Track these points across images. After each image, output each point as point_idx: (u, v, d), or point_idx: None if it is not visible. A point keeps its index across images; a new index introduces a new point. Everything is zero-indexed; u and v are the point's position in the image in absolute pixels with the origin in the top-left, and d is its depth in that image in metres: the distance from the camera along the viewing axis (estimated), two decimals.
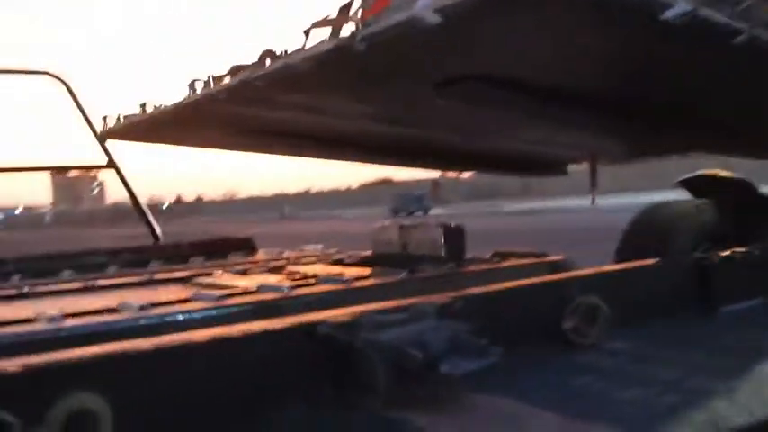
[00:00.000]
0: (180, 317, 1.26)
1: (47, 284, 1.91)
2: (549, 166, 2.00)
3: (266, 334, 0.74)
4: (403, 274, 1.62)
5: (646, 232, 2.14)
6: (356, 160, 2.01)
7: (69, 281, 1.95)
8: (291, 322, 0.76)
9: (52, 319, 1.23)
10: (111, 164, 3.14)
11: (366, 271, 1.76)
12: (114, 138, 1.62)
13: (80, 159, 3.17)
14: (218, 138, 1.59)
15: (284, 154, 1.91)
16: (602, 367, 0.84)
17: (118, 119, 1.58)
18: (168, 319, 1.25)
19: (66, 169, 3.25)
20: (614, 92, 1.36)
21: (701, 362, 0.92)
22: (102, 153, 3.10)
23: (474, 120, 1.43)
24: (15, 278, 2.22)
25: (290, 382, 0.73)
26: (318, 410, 0.71)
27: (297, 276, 1.79)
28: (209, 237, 3.00)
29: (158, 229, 3.20)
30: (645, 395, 0.76)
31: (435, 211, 39.91)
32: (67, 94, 2.92)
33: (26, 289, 1.79)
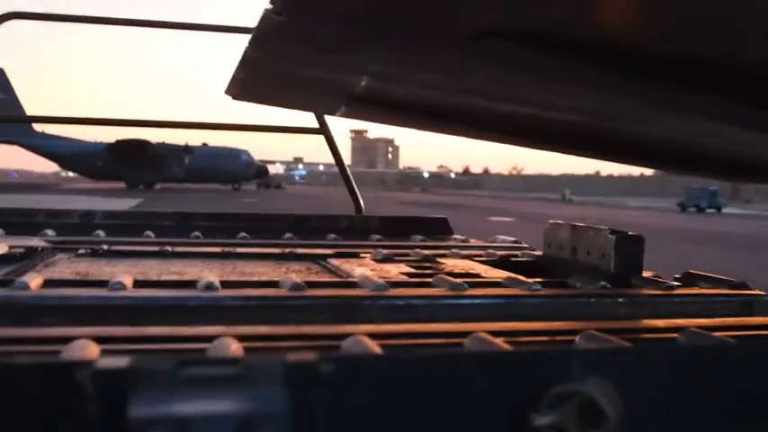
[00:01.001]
0: (229, 302, 1.13)
1: (191, 245, 1.90)
2: (754, 169, 1.56)
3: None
4: (531, 287, 1.35)
5: None
6: (472, 137, 1.73)
7: (211, 245, 1.92)
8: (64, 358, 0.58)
9: (116, 286, 1.17)
10: (323, 129, 3.14)
11: (504, 275, 1.51)
12: (235, 98, 1.52)
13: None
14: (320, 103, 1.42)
15: (391, 124, 1.69)
16: None
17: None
18: (220, 303, 1.13)
19: (279, 130, 3.31)
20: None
21: None
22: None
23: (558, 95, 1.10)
24: (195, 233, 2.27)
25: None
26: None
27: (427, 272, 1.59)
28: (407, 215, 2.88)
29: (362, 201, 3.15)
30: None
31: (729, 210, 36.56)
32: None
33: (169, 248, 1.78)
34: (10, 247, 1.70)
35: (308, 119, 3.15)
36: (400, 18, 0.79)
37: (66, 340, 0.78)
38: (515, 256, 1.97)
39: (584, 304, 1.28)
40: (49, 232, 2.12)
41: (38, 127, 46.02)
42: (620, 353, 0.60)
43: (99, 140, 51.13)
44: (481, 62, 0.89)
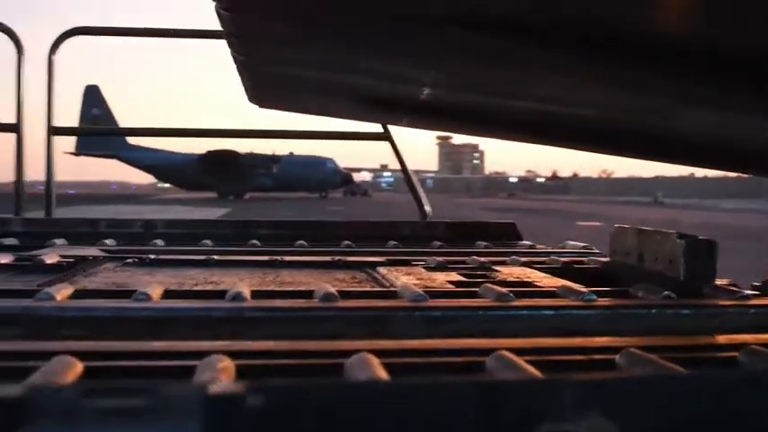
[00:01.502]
0: (252, 314, 1.07)
1: (240, 254, 1.86)
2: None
3: None
4: (585, 298, 1.24)
5: None
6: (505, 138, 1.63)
7: (260, 253, 1.88)
8: None
9: (140, 297, 1.13)
10: (386, 135, 3.08)
11: (560, 284, 1.40)
12: (262, 106, 1.48)
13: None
14: (332, 106, 1.36)
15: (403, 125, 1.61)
16: None
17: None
18: (243, 315, 1.07)
19: (344, 137, 3.26)
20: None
21: None
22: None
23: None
24: (253, 241, 2.24)
25: None
26: None
27: (477, 281, 1.49)
28: (473, 220, 2.79)
29: (428, 207, 3.07)
30: None
31: None
32: None
33: (215, 257, 1.75)
34: (61, 257, 1.70)
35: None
36: (355, 9, 0.72)
37: (53, 356, 0.73)
38: (580, 263, 1.85)
39: (640, 316, 1.16)
40: (108, 242, 2.13)
41: (133, 141, 47.91)
42: (625, 384, 0.50)
43: (191, 152, 52.63)
44: (469, 54, 0.81)
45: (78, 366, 0.70)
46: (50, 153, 3.03)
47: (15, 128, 3.01)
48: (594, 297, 1.25)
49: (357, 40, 0.86)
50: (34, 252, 1.79)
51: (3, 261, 1.60)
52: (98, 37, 3.38)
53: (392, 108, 1.33)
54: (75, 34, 3.00)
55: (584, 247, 2.24)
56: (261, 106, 1.47)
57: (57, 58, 2.98)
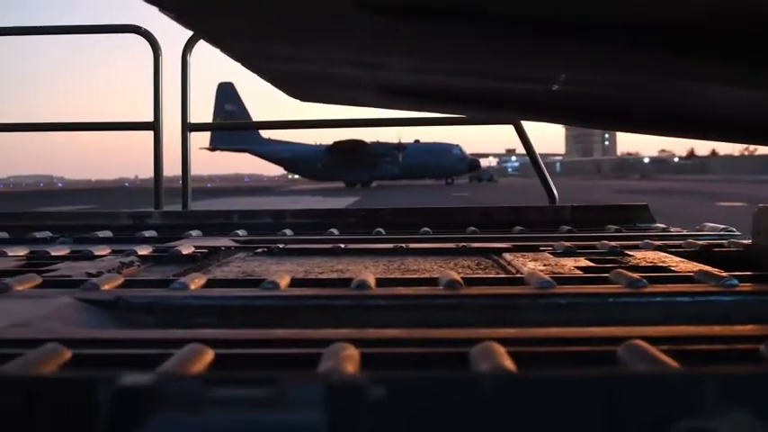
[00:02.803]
0: (375, 302, 1.07)
1: (365, 242, 1.88)
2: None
3: None
4: (726, 283, 1.16)
5: None
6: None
7: (386, 241, 1.89)
8: None
9: (268, 286, 1.16)
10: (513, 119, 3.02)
11: (697, 268, 1.33)
12: (303, 100, 1.51)
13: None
14: (357, 96, 1.38)
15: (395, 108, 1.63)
16: None
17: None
18: (366, 303, 1.08)
19: (470, 123, 3.23)
20: None
21: None
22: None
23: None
24: (378, 229, 2.26)
25: None
26: None
27: (608, 266, 1.44)
28: (603, 203, 2.69)
29: (555, 191, 3.00)
30: None
31: None
32: None
33: (342, 245, 1.78)
34: (195, 248, 1.77)
35: None
36: None
37: (184, 343, 0.76)
38: (720, 246, 1.74)
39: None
40: (240, 232, 2.21)
41: (264, 135, 49.64)
42: None
43: (318, 143, 53.84)
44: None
45: (209, 354, 0.72)
46: (186, 149, 3.17)
47: (153, 126, 3.17)
48: (736, 282, 1.17)
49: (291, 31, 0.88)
50: (171, 243, 1.87)
51: (143, 252, 1.68)
52: None
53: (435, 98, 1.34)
54: None
55: (723, 229, 2.12)
56: (304, 101, 1.50)
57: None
